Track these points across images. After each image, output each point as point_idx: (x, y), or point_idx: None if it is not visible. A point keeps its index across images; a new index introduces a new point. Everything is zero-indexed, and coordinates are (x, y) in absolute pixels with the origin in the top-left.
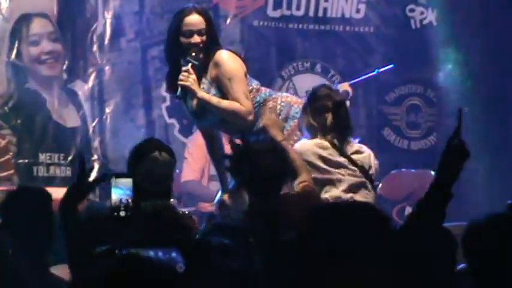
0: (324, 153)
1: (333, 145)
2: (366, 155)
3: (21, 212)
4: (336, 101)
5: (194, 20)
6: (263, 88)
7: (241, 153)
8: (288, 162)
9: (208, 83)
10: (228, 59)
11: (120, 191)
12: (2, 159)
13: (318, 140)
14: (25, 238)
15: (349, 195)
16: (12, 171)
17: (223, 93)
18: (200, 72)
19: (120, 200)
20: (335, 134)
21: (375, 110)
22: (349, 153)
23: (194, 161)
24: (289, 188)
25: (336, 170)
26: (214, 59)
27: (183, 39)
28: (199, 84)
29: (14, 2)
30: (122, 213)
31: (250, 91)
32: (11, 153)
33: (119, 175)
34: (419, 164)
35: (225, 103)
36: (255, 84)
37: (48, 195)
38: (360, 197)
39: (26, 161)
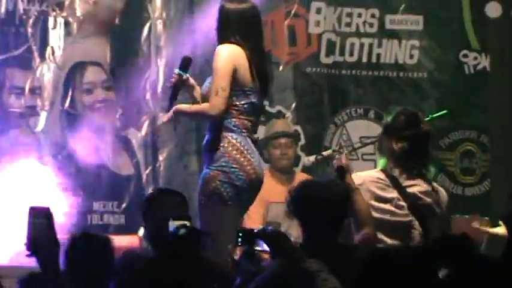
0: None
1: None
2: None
3: (83, 259)
4: (420, 129)
5: None
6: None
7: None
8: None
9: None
10: (219, 53)
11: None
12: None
13: (376, 173)
14: (86, 285)
15: (390, 241)
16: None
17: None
18: None
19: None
20: (410, 163)
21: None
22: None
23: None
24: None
25: (382, 205)
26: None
27: None
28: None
29: (67, 50)
30: (182, 231)
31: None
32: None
33: (176, 218)
34: (474, 210)
35: (192, 109)
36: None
37: (111, 243)
38: (398, 240)
39: (81, 209)
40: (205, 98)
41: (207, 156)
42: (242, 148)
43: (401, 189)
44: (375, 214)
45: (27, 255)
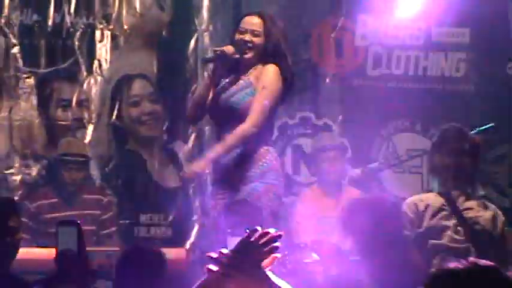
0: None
1: (450, 200)
2: (486, 215)
3: (135, 272)
4: (473, 143)
5: (251, 20)
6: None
7: None
8: None
9: (245, 83)
10: (273, 72)
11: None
12: (104, 216)
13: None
14: None
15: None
16: (114, 229)
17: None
18: (239, 71)
19: None
20: (463, 178)
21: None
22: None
23: (302, 224)
24: None
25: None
26: (263, 67)
27: (237, 36)
28: (237, 81)
29: (114, 63)
30: None
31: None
32: (111, 212)
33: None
34: None
35: (230, 141)
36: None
37: (163, 256)
38: None
39: (127, 221)
40: (233, 108)
41: (245, 170)
42: (279, 162)
43: (459, 215)
44: (433, 240)
45: (58, 271)
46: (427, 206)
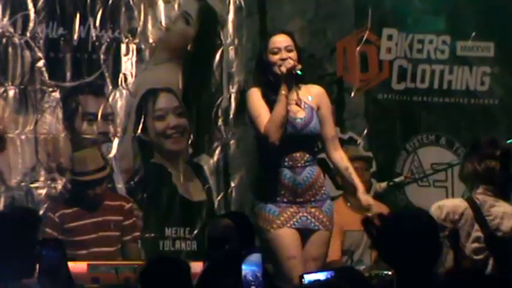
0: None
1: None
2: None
3: (160, 283)
4: (504, 149)
5: (281, 38)
6: None
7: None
8: None
9: (310, 108)
10: (327, 97)
11: (251, 268)
12: (126, 222)
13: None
14: None
15: None
16: (137, 234)
17: (320, 120)
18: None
19: (251, 275)
20: (490, 188)
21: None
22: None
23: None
24: None
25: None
26: (312, 87)
27: (271, 57)
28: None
29: (140, 77)
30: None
31: None
32: (134, 218)
33: (249, 251)
34: None
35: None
36: None
37: (188, 267)
38: None
39: (152, 235)
40: (311, 136)
41: (315, 189)
42: None
43: (482, 221)
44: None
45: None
46: (451, 211)
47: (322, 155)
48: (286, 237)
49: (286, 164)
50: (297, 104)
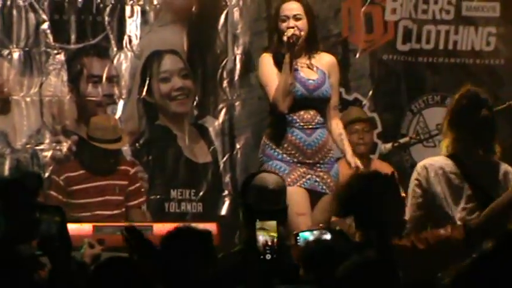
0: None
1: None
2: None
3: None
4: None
5: (291, 5)
6: None
7: None
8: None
9: (322, 74)
10: (338, 66)
11: (265, 234)
12: (131, 187)
13: (445, 160)
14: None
15: None
16: (142, 199)
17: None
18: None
19: (266, 242)
20: (480, 145)
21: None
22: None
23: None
24: None
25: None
26: (326, 55)
27: (280, 24)
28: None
29: (144, 39)
30: (268, 256)
31: None
32: (138, 183)
33: (263, 218)
34: None
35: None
36: None
37: (210, 235)
38: None
39: (158, 197)
40: (322, 99)
41: (324, 152)
42: None
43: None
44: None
45: (39, 254)
46: (438, 170)
47: None
48: (295, 194)
49: (297, 124)
50: (308, 67)
